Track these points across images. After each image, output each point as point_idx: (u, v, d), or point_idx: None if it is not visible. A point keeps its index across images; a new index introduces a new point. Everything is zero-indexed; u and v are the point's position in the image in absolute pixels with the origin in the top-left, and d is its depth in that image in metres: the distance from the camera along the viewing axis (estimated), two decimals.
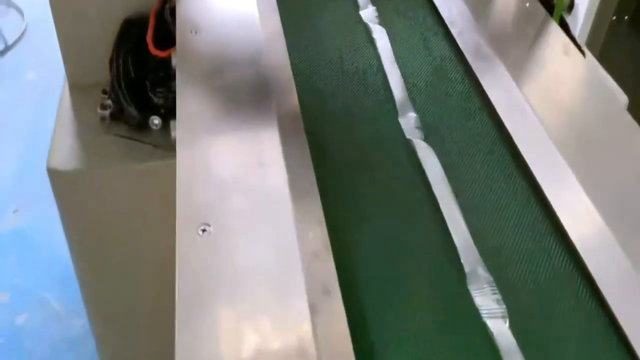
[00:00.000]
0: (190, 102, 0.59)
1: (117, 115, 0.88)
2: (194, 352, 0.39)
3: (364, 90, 0.66)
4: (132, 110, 0.86)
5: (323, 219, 0.49)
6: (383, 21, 0.75)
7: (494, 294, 0.49)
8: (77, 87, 0.94)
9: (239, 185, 0.52)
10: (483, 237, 0.52)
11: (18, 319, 1.48)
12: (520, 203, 0.55)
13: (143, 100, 0.86)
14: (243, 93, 0.61)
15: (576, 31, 1.14)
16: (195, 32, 0.68)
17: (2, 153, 1.82)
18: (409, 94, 0.65)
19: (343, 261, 0.47)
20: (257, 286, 0.43)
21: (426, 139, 0.61)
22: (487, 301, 0.48)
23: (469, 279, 0.50)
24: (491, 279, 0.50)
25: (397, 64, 0.69)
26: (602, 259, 0.50)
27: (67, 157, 0.85)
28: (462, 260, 0.51)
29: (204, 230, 0.49)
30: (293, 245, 0.46)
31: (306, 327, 0.40)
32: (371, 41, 0.72)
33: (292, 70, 0.65)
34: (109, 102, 0.88)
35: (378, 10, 0.76)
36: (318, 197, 0.51)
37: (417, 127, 0.62)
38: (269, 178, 0.53)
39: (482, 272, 0.50)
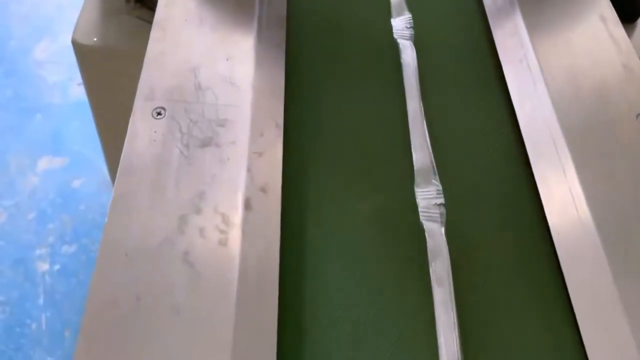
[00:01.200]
0: None
1: None
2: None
3: None
4: None
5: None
6: None
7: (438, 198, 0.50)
8: None
9: (201, 76, 0.55)
10: (442, 147, 0.53)
11: (75, 182, 1.60)
12: (491, 121, 0.55)
13: None
14: None
15: None
16: None
17: None
18: None
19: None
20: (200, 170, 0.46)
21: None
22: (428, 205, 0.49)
23: (417, 182, 0.51)
24: (440, 187, 0.50)
25: None
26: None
27: (88, 31, 0.89)
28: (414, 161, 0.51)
29: (158, 114, 0.52)
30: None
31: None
32: None
33: None
34: None
35: None
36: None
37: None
38: (235, 70, 0.54)
39: (432, 179, 0.51)
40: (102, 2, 0.93)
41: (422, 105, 0.56)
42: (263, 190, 0.48)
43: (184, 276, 0.42)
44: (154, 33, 0.57)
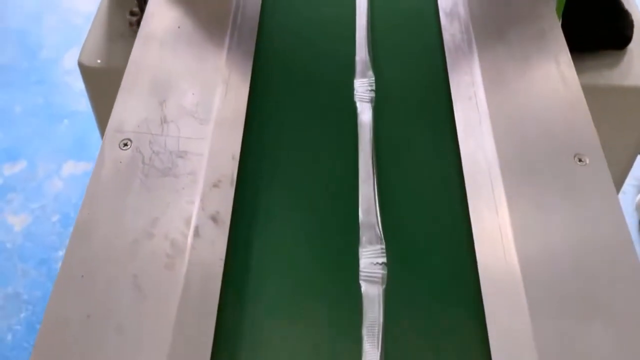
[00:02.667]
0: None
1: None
2: None
3: None
4: None
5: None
6: None
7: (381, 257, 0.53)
8: None
9: (167, 109, 0.60)
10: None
11: None
12: (439, 167, 0.58)
13: None
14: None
15: None
16: None
17: None
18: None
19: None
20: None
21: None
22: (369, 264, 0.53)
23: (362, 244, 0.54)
24: (383, 245, 0.54)
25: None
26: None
27: (94, 54, 0.95)
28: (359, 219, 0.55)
29: (125, 145, 0.57)
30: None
31: None
32: None
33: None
34: (137, 9, 0.96)
35: None
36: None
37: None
38: (199, 104, 0.60)
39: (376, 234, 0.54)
40: (107, 26, 1.00)
41: (373, 162, 0.59)
42: (213, 219, 0.52)
43: (131, 297, 0.47)
44: (129, 68, 0.62)
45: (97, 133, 1.78)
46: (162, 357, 0.44)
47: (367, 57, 0.67)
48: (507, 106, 0.61)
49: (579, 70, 0.97)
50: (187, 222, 0.52)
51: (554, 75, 0.63)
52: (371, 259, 0.52)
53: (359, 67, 0.67)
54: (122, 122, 0.58)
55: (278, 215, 0.55)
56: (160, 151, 0.56)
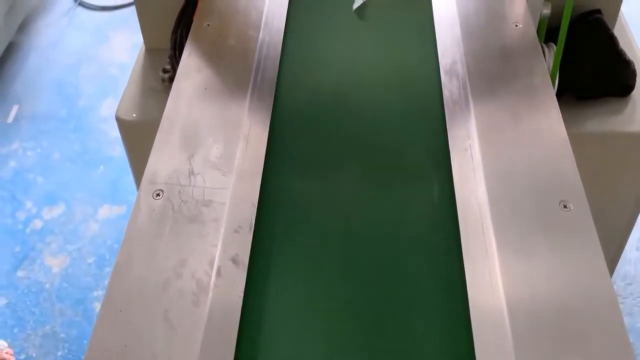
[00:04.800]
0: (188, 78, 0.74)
1: (174, 79, 1.05)
2: None
3: None
4: None
5: None
6: None
7: None
8: (150, 50, 1.12)
9: (195, 162, 0.68)
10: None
11: None
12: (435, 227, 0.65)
13: None
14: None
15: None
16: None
17: None
18: None
19: None
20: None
21: None
22: None
23: None
24: None
25: None
26: None
27: (130, 108, 1.05)
28: None
29: (157, 195, 0.65)
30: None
31: None
32: None
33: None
34: (169, 67, 1.06)
35: None
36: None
37: None
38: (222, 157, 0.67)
39: None
40: (143, 82, 1.09)
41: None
42: (233, 260, 0.60)
43: (163, 329, 0.54)
44: (162, 125, 0.70)
45: (130, 178, 1.87)
46: None
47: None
48: (499, 157, 0.67)
49: (585, 118, 1.03)
50: (211, 264, 0.59)
51: (543, 128, 0.70)
52: None
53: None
54: (155, 174, 0.66)
55: (292, 256, 0.62)
56: (188, 200, 0.63)
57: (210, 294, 0.57)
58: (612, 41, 1.03)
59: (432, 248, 0.62)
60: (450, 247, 0.62)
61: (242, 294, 0.57)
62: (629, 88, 1.07)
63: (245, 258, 0.60)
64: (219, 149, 0.68)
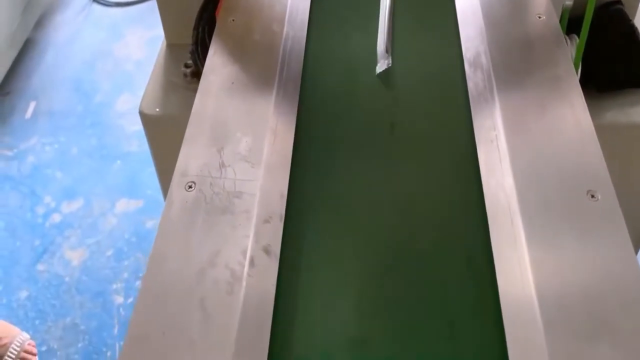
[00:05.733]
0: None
1: (196, 74, 1.07)
2: None
3: None
4: None
5: None
6: None
7: None
8: (171, 45, 1.14)
9: (225, 155, 0.69)
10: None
11: (148, 223, 1.79)
12: (461, 199, 0.66)
13: None
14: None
15: None
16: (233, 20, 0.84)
17: None
18: None
19: None
20: None
21: None
22: None
23: None
24: None
25: None
26: None
27: (152, 103, 1.06)
28: None
29: (190, 187, 0.67)
30: None
31: None
32: None
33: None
34: (190, 62, 1.07)
35: None
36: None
37: None
38: (251, 150, 0.69)
39: None
40: (165, 77, 1.10)
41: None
42: (265, 250, 0.61)
43: (199, 317, 0.55)
44: (192, 120, 0.71)
45: (147, 172, 1.90)
46: None
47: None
48: (525, 147, 0.68)
49: (603, 109, 1.03)
50: (244, 254, 0.60)
51: (568, 118, 0.70)
52: None
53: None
54: (186, 167, 0.67)
55: (322, 245, 0.63)
56: (220, 192, 0.64)
57: (244, 282, 0.58)
58: (633, 32, 1.03)
59: (460, 237, 0.63)
60: (478, 237, 0.62)
61: (274, 283, 0.58)
62: None
63: (277, 248, 0.61)
64: (248, 142, 0.70)
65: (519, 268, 0.59)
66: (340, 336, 0.56)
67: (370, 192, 0.67)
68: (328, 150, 0.72)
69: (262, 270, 0.59)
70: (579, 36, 0.94)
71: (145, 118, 1.06)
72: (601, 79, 1.05)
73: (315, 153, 0.71)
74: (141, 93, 1.08)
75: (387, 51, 0.75)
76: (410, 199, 0.66)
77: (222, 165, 0.67)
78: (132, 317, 0.55)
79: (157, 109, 1.05)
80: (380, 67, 0.75)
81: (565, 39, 0.88)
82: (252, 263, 0.59)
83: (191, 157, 0.68)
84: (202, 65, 1.04)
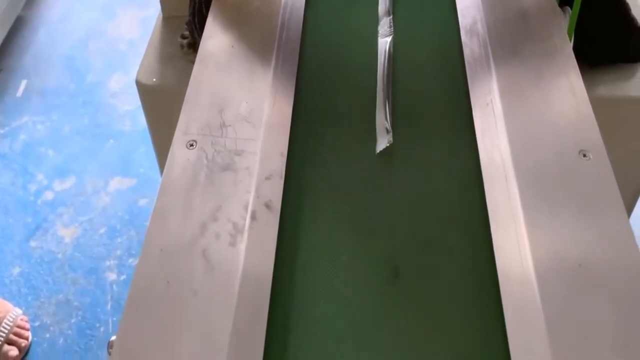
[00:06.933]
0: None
1: (192, 45, 1.07)
2: None
3: None
4: None
5: None
6: None
7: None
8: (167, 18, 1.14)
9: (225, 115, 0.70)
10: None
11: (141, 201, 1.79)
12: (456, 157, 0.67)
13: None
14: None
15: None
16: None
17: None
18: None
19: None
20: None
21: None
22: None
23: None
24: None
25: None
26: None
27: (149, 73, 1.07)
28: None
29: (191, 145, 0.68)
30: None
31: None
32: None
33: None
34: (187, 33, 1.08)
35: None
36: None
37: None
38: (252, 111, 0.70)
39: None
40: (161, 49, 1.11)
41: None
42: (267, 206, 0.62)
43: (202, 267, 0.57)
44: (192, 82, 0.72)
45: (140, 151, 1.90)
46: (229, 313, 0.53)
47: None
48: (520, 111, 0.70)
49: (596, 83, 1.05)
50: (245, 208, 0.61)
51: (562, 83, 0.72)
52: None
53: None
54: (188, 126, 0.68)
55: (321, 202, 0.64)
56: (221, 150, 0.66)
57: (246, 235, 0.59)
58: (624, 7, 1.05)
59: (456, 196, 0.65)
60: (473, 195, 0.64)
61: (276, 236, 0.60)
62: None
63: (277, 204, 0.62)
64: (248, 104, 0.71)
65: (514, 223, 0.60)
66: (339, 285, 0.58)
67: (369, 153, 0.69)
68: (327, 113, 0.73)
69: (264, 224, 0.60)
70: (572, 8, 0.95)
71: (142, 88, 1.06)
72: (593, 54, 1.06)
73: (315, 114, 0.73)
74: (134, 72, 1.09)
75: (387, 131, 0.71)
76: (406, 158, 0.68)
77: (222, 125, 0.68)
78: (136, 266, 0.56)
79: (154, 79, 1.06)
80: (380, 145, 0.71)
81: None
82: (253, 217, 0.61)
83: (192, 117, 0.69)
84: (199, 35, 1.05)
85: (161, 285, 0.55)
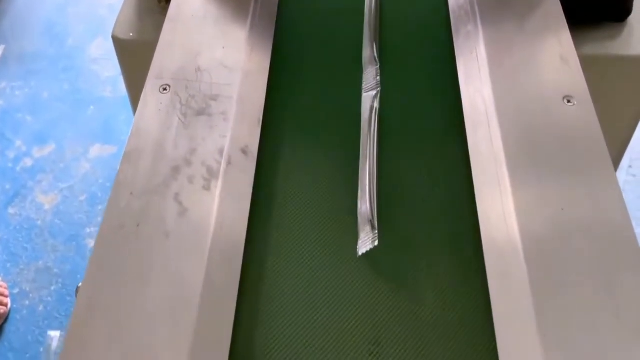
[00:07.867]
0: None
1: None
2: None
3: None
4: None
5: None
6: None
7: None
8: None
9: (201, 60, 0.68)
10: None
11: None
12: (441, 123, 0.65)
13: None
14: None
15: None
16: None
17: None
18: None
19: None
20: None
21: None
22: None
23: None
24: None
25: None
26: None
27: (126, 28, 1.03)
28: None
29: (164, 89, 0.65)
30: None
31: None
32: None
33: None
34: None
35: None
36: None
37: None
38: (228, 56, 0.67)
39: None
40: (138, 3, 1.08)
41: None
42: (243, 151, 0.60)
43: (174, 210, 0.55)
44: (166, 26, 0.70)
45: (122, 118, 1.87)
46: (202, 257, 0.51)
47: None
48: (504, 58, 0.68)
49: (582, 42, 1.03)
50: (220, 153, 0.59)
51: (547, 32, 0.70)
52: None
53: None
54: (161, 70, 0.66)
55: (299, 148, 0.63)
56: (196, 95, 0.63)
57: (221, 180, 0.57)
58: None
59: (439, 138, 0.63)
60: (455, 137, 0.62)
61: (252, 181, 0.58)
62: (626, 13, 1.07)
63: (254, 149, 0.60)
64: (225, 50, 0.68)
65: (495, 166, 0.59)
66: (316, 227, 0.56)
67: (349, 100, 0.67)
68: (305, 62, 0.71)
69: (240, 169, 0.59)
70: None
71: (118, 43, 1.03)
72: (580, 13, 1.05)
73: (293, 62, 0.70)
74: None
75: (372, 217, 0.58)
76: (387, 103, 0.66)
77: (197, 70, 0.66)
78: (106, 208, 0.54)
79: (131, 34, 1.03)
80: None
81: None
82: (229, 161, 0.59)
83: (165, 62, 0.67)
84: None
85: (131, 227, 0.53)
